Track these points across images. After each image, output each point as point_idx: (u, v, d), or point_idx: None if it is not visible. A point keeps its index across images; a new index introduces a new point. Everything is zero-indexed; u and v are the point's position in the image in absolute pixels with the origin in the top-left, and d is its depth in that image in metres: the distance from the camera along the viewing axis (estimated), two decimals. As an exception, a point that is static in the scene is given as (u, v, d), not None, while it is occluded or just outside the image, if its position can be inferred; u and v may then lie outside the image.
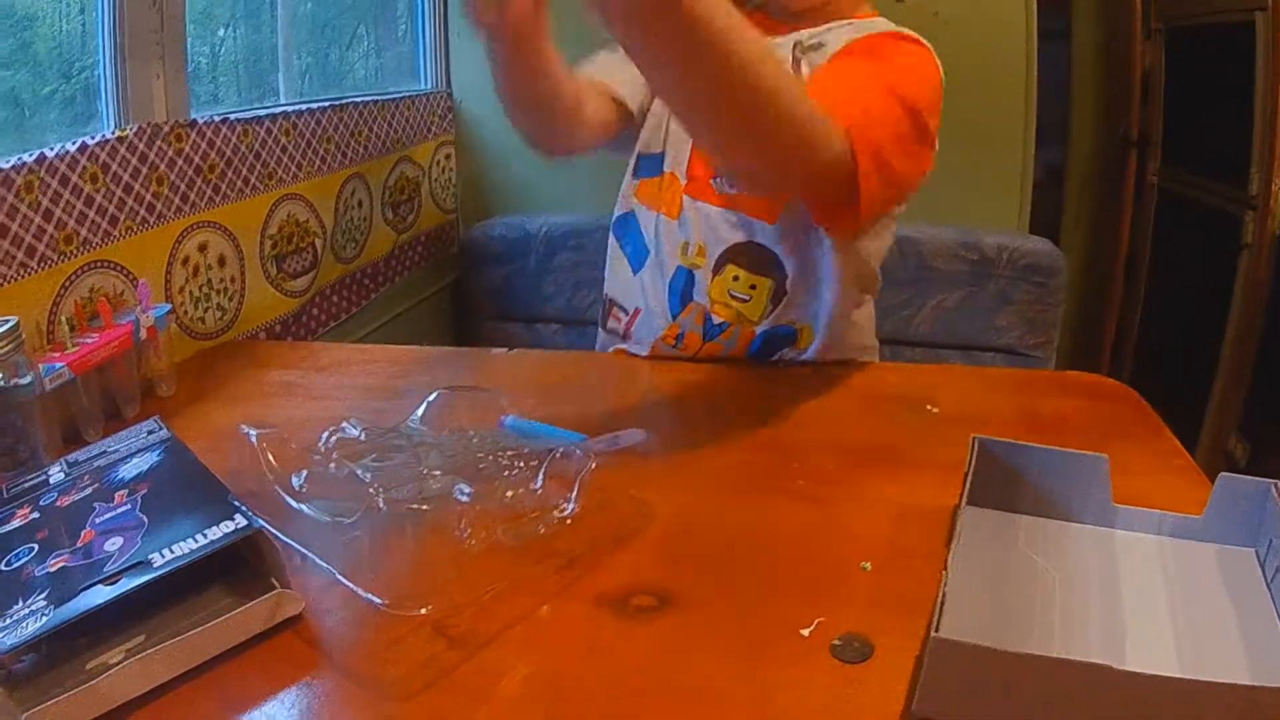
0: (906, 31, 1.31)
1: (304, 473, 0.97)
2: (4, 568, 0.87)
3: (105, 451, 1.07)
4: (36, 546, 0.89)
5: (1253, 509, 0.83)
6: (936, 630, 0.61)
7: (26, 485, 1.03)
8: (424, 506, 0.91)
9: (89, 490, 0.98)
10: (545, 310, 2.54)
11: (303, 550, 0.88)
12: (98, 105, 1.60)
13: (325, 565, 0.85)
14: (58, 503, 0.97)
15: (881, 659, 0.70)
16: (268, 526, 0.85)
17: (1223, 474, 0.84)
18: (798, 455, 1.05)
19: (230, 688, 0.78)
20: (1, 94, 1.55)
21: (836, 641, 0.72)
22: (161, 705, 0.77)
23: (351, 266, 2.20)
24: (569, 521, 0.91)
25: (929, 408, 1.15)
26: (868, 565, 0.84)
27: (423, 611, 0.82)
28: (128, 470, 1.01)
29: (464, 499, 0.91)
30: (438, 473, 0.95)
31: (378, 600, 0.81)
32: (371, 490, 0.92)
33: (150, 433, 1.10)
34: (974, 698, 0.61)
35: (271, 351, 1.69)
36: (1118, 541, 0.86)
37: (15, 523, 0.95)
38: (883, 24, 1.36)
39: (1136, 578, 0.81)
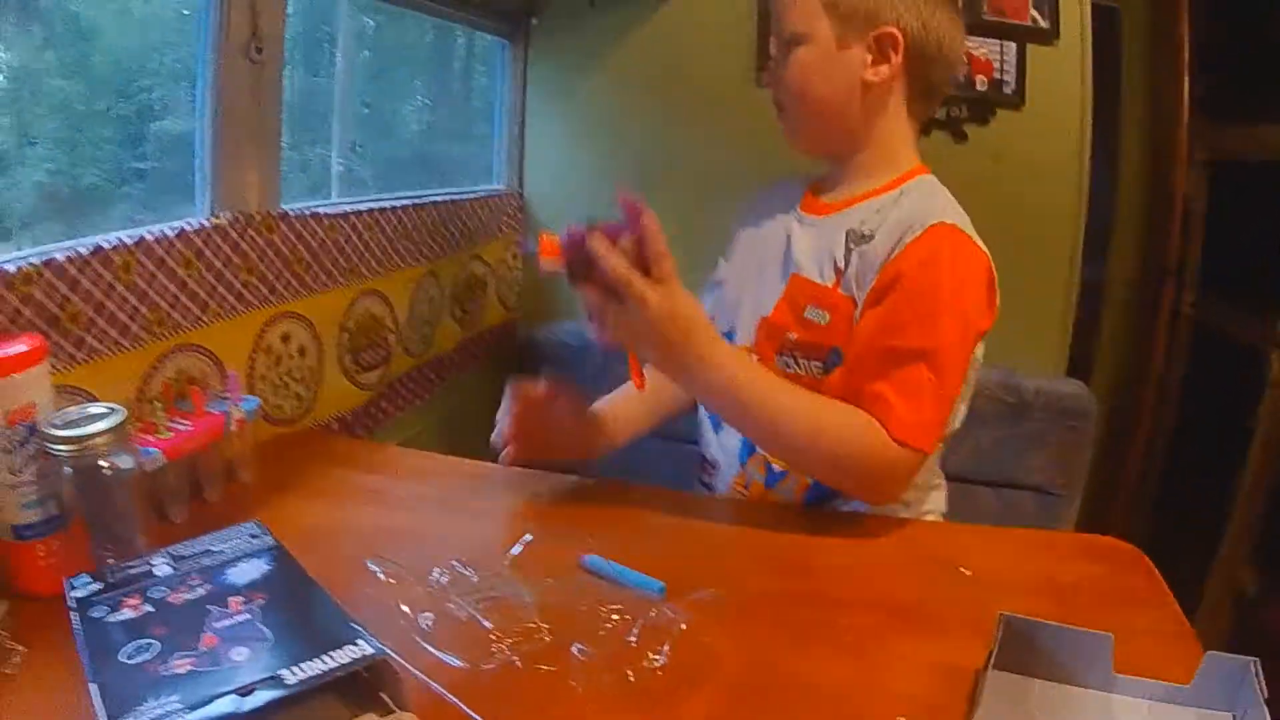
0: (949, 226, 1.30)
1: (431, 616, 1.04)
2: (124, 660, 0.88)
3: (210, 550, 1.09)
4: (157, 644, 0.90)
5: (1234, 681, 0.90)
6: None
7: (131, 573, 1.04)
8: (549, 668, 0.97)
9: (201, 591, 0.99)
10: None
11: (430, 683, 0.94)
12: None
13: (454, 699, 0.91)
14: (169, 599, 0.98)
15: None
16: (390, 653, 0.88)
17: (1210, 652, 0.92)
18: (843, 609, 1.10)
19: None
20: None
21: None
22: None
23: (418, 361, 2.23)
24: (659, 672, 0.97)
25: (962, 570, 1.18)
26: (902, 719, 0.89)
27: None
28: (238, 575, 1.03)
29: (581, 657, 0.99)
30: (546, 626, 1.03)
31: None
32: (494, 637, 1.00)
33: (254, 537, 1.12)
34: None
35: (350, 449, 1.73)
36: (1115, 705, 0.94)
37: (126, 612, 0.96)
38: (929, 208, 1.34)
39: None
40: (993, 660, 0.93)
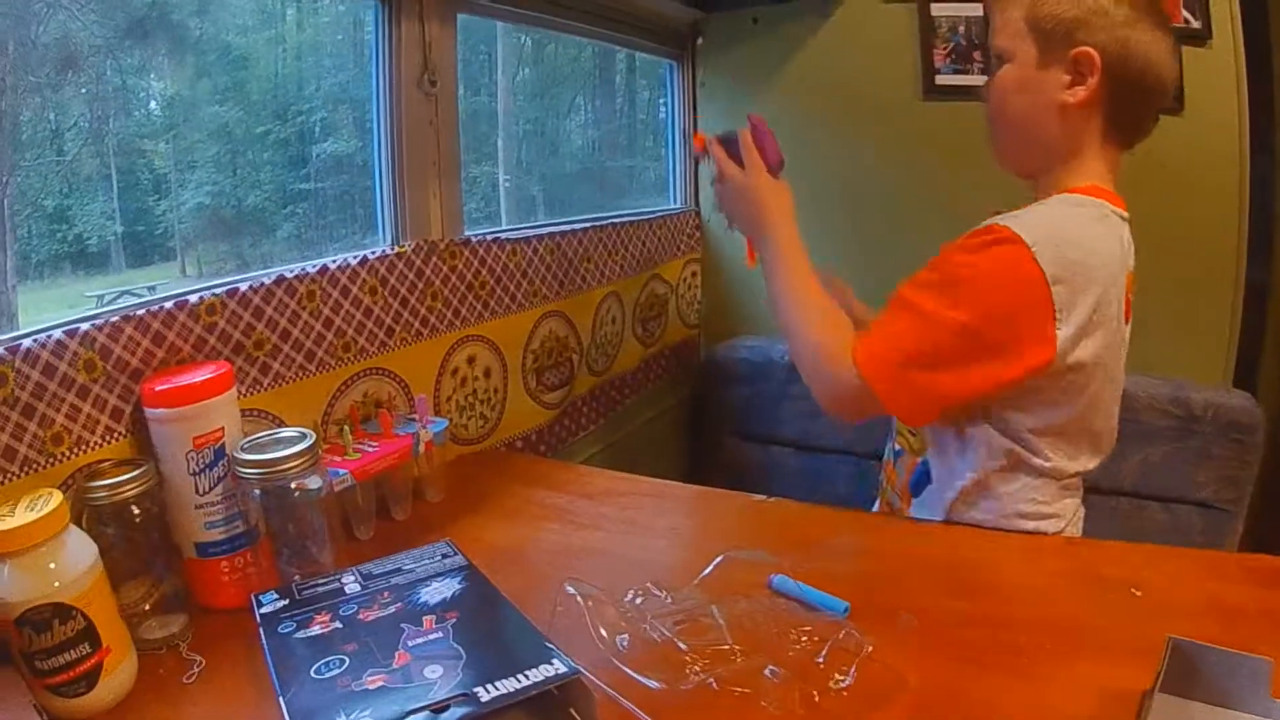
0: (1004, 229, 1.24)
1: (626, 637, 1.05)
2: (314, 675, 0.90)
3: (401, 569, 1.10)
4: (347, 660, 0.91)
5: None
6: None
7: (320, 590, 1.06)
8: (743, 690, 0.98)
9: (392, 609, 1.01)
10: (781, 434, 2.54)
11: (621, 699, 0.96)
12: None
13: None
14: (360, 616, 1.00)
15: None
16: (584, 672, 0.89)
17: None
18: (1017, 630, 1.08)
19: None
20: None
21: None
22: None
23: (601, 379, 2.25)
24: (844, 693, 0.97)
25: (1133, 591, 1.16)
26: None
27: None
28: (430, 594, 1.04)
29: (773, 679, 0.99)
30: (739, 647, 1.03)
31: None
32: (689, 659, 1.01)
33: (445, 556, 1.13)
34: None
35: (536, 468, 1.73)
36: None
37: (316, 628, 0.98)
38: (1020, 214, 1.29)
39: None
40: (1159, 684, 0.92)
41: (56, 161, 1.47)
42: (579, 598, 1.07)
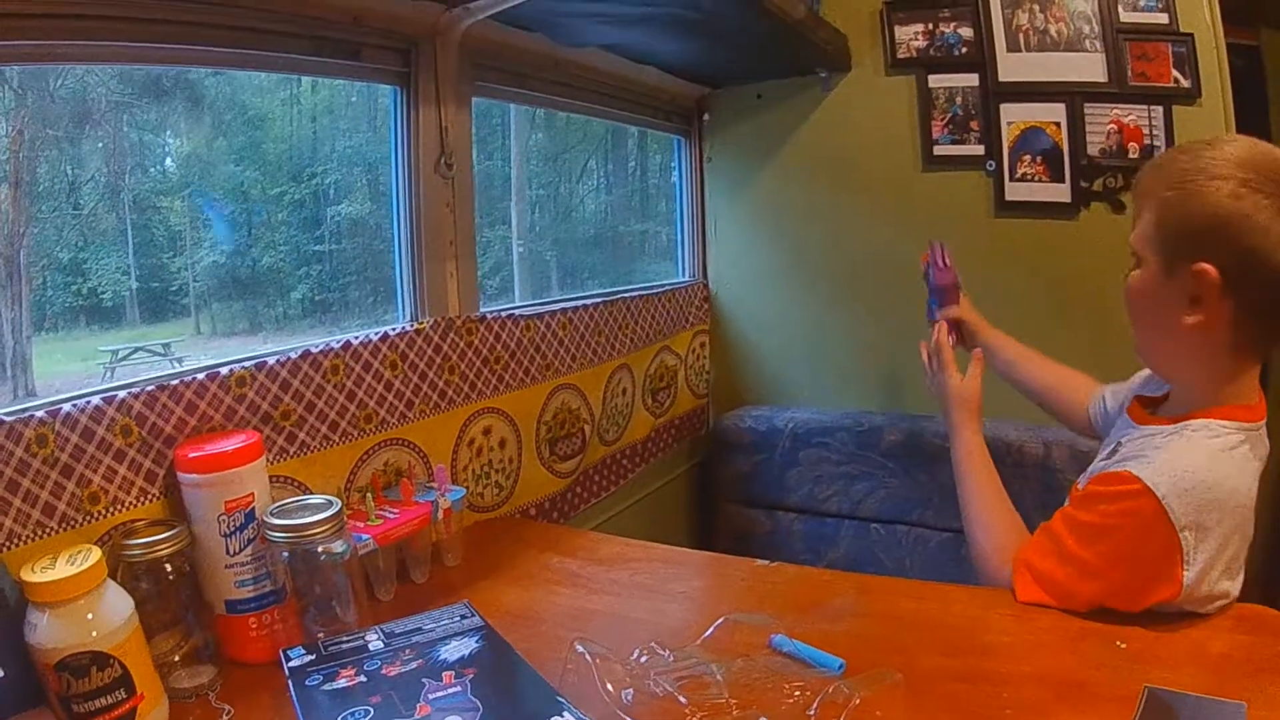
0: (1131, 477, 1.24)
1: (631, 691, 1.11)
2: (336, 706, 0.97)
3: (421, 629, 1.17)
4: (372, 711, 0.98)
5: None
6: None
7: (345, 646, 1.13)
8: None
9: (414, 665, 1.07)
10: (787, 500, 2.59)
11: None
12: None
13: None
14: (384, 671, 1.06)
15: None
16: None
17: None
18: (1006, 685, 1.13)
19: None
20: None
21: None
22: None
23: (612, 449, 2.31)
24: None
25: (1118, 644, 1.20)
26: None
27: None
28: (450, 652, 1.11)
29: None
30: (734, 701, 1.09)
31: None
32: (687, 712, 1.07)
33: (464, 617, 1.20)
34: None
35: (549, 534, 1.79)
36: None
37: (342, 682, 1.04)
38: (1156, 456, 1.26)
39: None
40: None
41: (73, 215, 1.52)
42: (588, 656, 1.12)
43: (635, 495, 2.47)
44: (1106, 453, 1.44)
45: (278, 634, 1.23)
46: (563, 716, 0.96)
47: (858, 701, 1.07)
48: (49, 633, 0.96)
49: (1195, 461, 1.23)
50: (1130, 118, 2.22)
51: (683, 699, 1.09)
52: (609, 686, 1.12)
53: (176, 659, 1.15)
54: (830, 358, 2.68)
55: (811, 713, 1.06)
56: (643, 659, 1.18)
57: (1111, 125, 2.25)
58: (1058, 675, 1.15)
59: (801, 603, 1.38)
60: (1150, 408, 1.44)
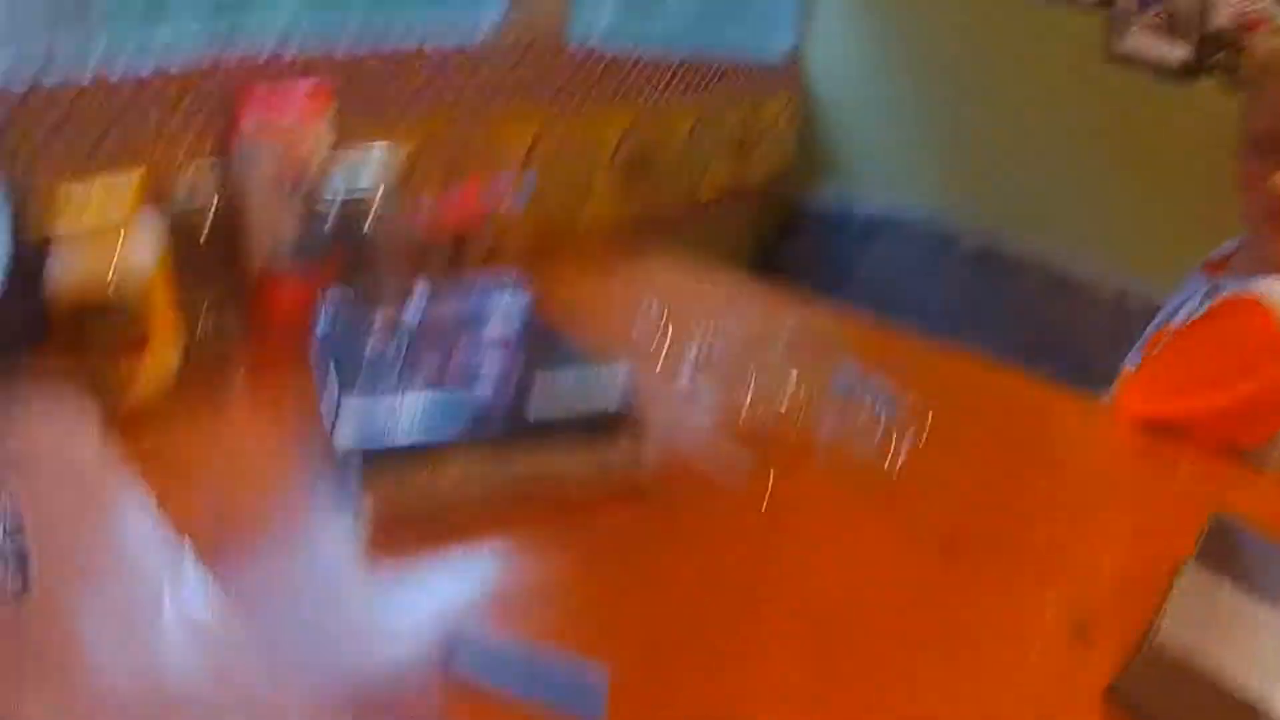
0: (1247, 301, 1.18)
1: (695, 347, 1.12)
2: (366, 354, 0.92)
3: (468, 294, 1.12)
4: (402, 360, 0.94)
5: None
6: (1157, 634, 0.75)
7: (385, 301, 1.08)
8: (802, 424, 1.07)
9: (454, 326, 1.03)
10: (848, 288, 2.48)
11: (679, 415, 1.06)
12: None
13: (698, 424, 1.04)
14: (420, 328, 1.01)
15: (1102, 646, 0.79)
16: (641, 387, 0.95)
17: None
18: (1063, 477, 1.13)
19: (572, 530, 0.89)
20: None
21: (1073, 619, 0.83)
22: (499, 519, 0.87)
23: (684, 198, 2.26)
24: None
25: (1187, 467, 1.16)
26: (1106, 572, 0.94)
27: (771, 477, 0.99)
28: (494, 321, 1.08)
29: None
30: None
31: (744, 463, 0.99)
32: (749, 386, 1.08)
33: (513, 290, 1.16)
34: (1167, 701, 0.72)
35: (609, 255, 1.77)
36: None
37: (376, 324, 1.00)
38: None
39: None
40: (1198, 553, 0.91)
41: None
42: (655, 310, 1.16)
43: (699, 252, 2.37)
44: (1175, 309, 1.38)
45: (313, 298, 1.18)
46: (607, 395, 0.93)
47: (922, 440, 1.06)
48: (72, 266, 0.94)
49: None
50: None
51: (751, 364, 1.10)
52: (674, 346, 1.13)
53: (200, 314, 1.12)
54: (924, 160, 2.56)
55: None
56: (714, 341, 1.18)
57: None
58: (1121, 482, 1.13)
59: (878, 351, 1.35)
60: None
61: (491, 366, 0.93)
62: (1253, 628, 0.84)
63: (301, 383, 1.04)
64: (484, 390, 0.91)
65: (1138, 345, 1.41)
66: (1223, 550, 0.93)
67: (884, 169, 2.60)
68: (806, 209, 2.59)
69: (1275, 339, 1.14)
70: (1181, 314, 1.33)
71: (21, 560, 0.61)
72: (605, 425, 0.93)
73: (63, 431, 0.83)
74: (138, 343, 0.97)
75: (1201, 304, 1.29)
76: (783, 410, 1.08)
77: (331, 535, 0.84)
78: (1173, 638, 0.73)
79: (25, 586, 0.59)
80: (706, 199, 2.35)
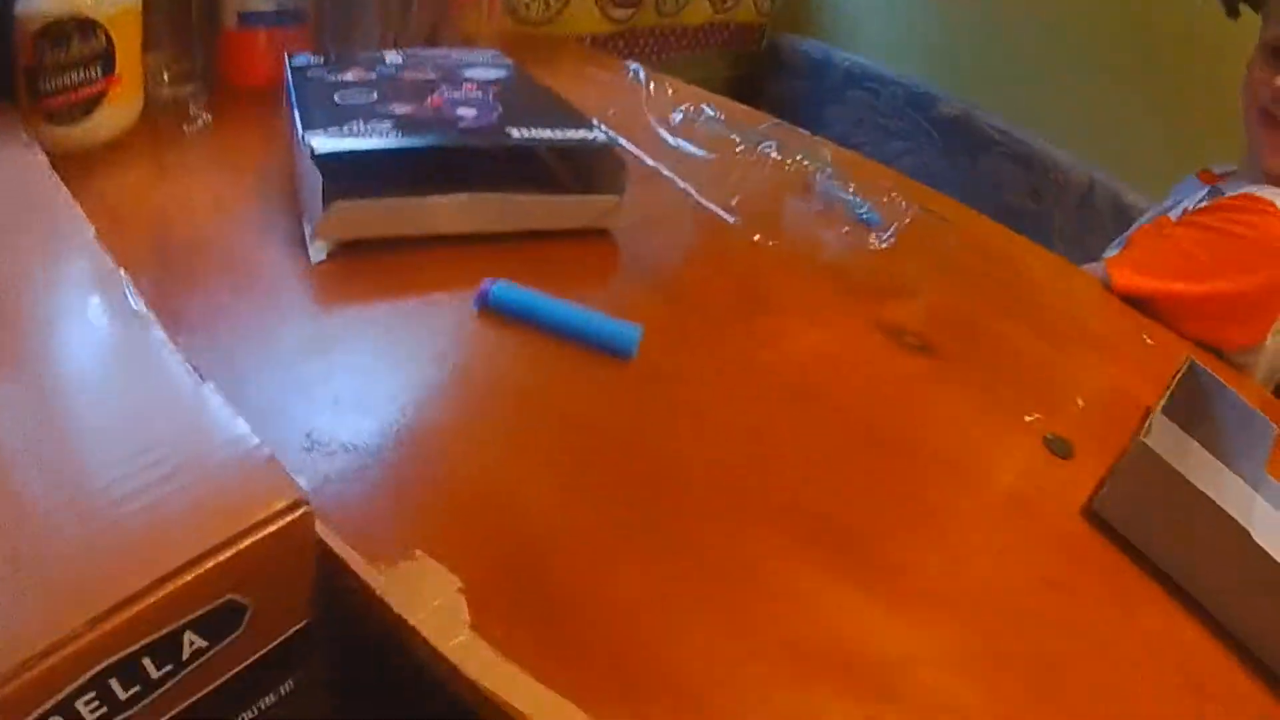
0: (1263, 200, 1.17)
1: (681, 113, 1.07)
2: (338, 101, 0.87)
3: (448, 55, 1.07)
4: (376, 94, 0.88)
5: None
6: (1145, 436, 0.71)
7: (359, 58, 1.02)
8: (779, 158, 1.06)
9: (433, 76, 0.98)
10: (819, 132, 2.46)
11: (661, 169, 1.02)
12: None
13: (683, 184, 0.99)
14: (399, 75, 0.96)
15: (1080, 462, 0.80)
16: (624, 142, 0.89)
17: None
18: (1042, 316, 1.10)
19: (546, 263, 0.86)
20: None
21: (1049, 435, 0.82)
22: (470, 255, 0.83)
23: (664, 22, 2.19)
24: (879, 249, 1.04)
25: (1145, 339, 1.14)
26: (1081, 401, 0.92)
27: (755, 239, 0.98)
28: (476, 72, 1.01)
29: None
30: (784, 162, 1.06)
31: (730, 217, 0.97)
32: (735, 139, 1.05)
33: (495, 57, 1.09)
34: (1146, 510, 0.70)
35: (592, 56, 1.70)
36: (1255, 508, 0.84)
37: (349, 75, 0.95)
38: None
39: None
40: (1165, 402, 0.87)
41: None
42: (641, 74, 1.09)
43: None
44: (1169, 208, 1.38)
45: (283, 60, 1.07)
46: (591, 131, 0.88)
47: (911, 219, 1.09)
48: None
49: None
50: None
51: (736, 136, 1.06)
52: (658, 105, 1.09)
53: (165, 73, 1.04)
54: (910, 25, 2.48)
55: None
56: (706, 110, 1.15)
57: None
58: (1096, 330, 1.12)
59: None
60: None
61: (470, 110, 0.88)
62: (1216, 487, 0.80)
63: (264, 144, 0.97)
64: (464, 123, 0.86)
65: (1121, 238, 1.41)
66: (1193, 404, 0.90)
67: (867, 27, 2.55)
68: (786, 52, 2.54)
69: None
70: (1176, 212, 1.33)
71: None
72: (590, 159, 0.89)
73: (3, 161, 0.76)
74: (104, 79, 0.91)
75: (1203, 203, 1.29)
76: (765, 186, 1.05)
77: (286, 284, 0.77)
78: (1152, 454, 0.69)
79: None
80: (686, 25, 2.29)
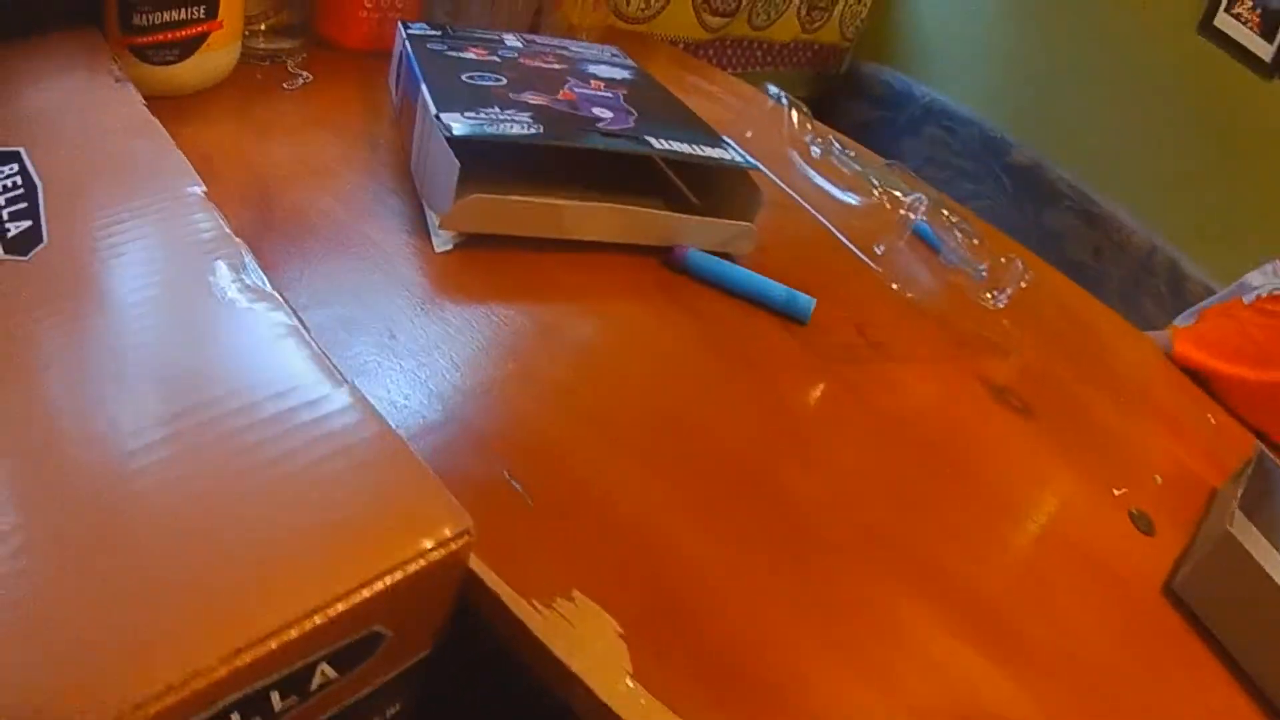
0: None
1: (818, 146, 1.03)
2: (465, 79, 0.81)
3: (565, 46, 1.02)
4: (505, 79, 0.83)
5: None
6: (1230, 525, 0.71)
7: (477, 35, 0.97)
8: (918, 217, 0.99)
9: (557, 66, 0.93)
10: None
11: (803, 202, 1.00)
12: None
13: (823, 220, 0.96)
14: (521, 60, 0.91)
15: (1161, 538, 0.79)
16: (761, 167, 0.85)
17: None
18: (1116, 387, 1.09)
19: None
20: None
21: (1133, 510, 0.82)
22: (596, 264, 0.79)
23: (754, 35, 2.16)
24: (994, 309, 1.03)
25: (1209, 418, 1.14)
26: (1159, 478, 0.91)
27: (894, 286, 0.96)
28: (600, 69, 0.96)
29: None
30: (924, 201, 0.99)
31: (873, 265, 0.95)
32: (876, 189, 0.98)
33: (615, 55, 1.05)
34: (1223, 596, 0.70)
35: (689, 63, 1.64)
36: None
37: (470, 54, 0.89)
38: None
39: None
40: (1242, 490, 0.85)
41: None
42: (784, 100, 1.07)
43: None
44: (1244, 291, 1.36)
45: (391, 21, 1.02)
46: (725, 149, 0.83)
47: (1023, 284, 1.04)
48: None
49: None
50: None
51: (874, 178, 1.01)
52: (799, 138, 1.05)
53: (262, 26, 0.98)
54: (990, 70, 2.44)
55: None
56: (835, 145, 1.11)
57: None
58: (1167, 411, 1.10)
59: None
60: None
61: (604, 110, 0.83)
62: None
63: (370, 112, 0.93)
64: (602, 124, 0.81)
65: (1194, 309, 1.39)
66: (1259, 491, 0.89)
67: (949, 66, 2.51)
68: (866, 78, 2.52)
69: None
70: (1250, 296, 1.33)
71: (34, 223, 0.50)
72: (719, 179, 0.85)
73: (97, 99, 0.70)
74: (206, 21, 0.85)
75: (1277, 291, 1.30)
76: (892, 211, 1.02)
77: (396, 259, 0.72)
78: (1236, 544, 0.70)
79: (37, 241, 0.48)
80: (773, 41, 2.26)
